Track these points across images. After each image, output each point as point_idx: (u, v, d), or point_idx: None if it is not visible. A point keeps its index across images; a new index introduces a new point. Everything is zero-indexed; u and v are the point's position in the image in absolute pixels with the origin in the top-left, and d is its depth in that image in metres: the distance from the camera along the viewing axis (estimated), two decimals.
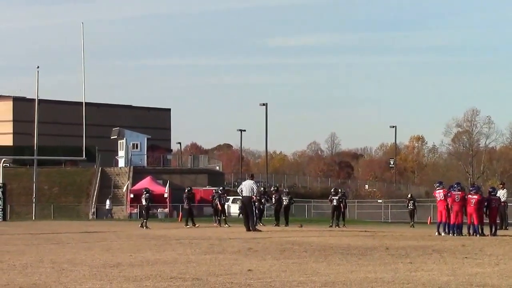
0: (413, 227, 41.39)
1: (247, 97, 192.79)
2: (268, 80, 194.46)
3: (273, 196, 40.49)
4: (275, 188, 41.95)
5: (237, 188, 33.55)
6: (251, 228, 28.46)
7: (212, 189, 48.08)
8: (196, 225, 37.55)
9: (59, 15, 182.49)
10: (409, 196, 47.57)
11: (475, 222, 25.86)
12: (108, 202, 66.57)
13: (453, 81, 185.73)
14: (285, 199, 40.04)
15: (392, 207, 63.91)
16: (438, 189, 27.02)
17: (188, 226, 37.02)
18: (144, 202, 38.83)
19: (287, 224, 38.52)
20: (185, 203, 39.36)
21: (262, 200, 39.38)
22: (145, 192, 39.43)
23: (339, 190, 41.53)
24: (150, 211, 41.71)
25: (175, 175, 73.99)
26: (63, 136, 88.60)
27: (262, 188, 42.75)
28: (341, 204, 38.59)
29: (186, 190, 40.30)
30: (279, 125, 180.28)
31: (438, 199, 26.87)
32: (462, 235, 25.64)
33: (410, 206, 44.81)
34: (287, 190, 42.91)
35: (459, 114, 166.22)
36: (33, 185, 65.15)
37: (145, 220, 37.21)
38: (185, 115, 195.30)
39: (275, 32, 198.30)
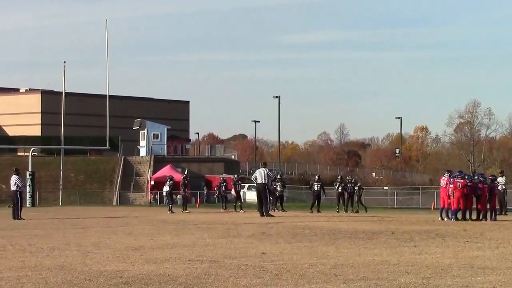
0: (338, 212, 36.82)
1: (261, 90, 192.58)
2: (281, 74, 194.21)
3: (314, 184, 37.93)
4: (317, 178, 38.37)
5: (251, 176, 33.53)
6: (264, 214, 28.47)
7: (220, 177, 47.85)
8: (187, 211, 37.47)
9: (85, 13, 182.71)
10: (339, 178, 40.44)
11: (461, 207, 25.85)
12: (165, 187, 65.79)
13: (456, 74, 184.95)
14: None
15: (397, 194, 63.74)
16: (443, 177, 26.98)
17: (187, 211, 37.04)
18: (168, 189, 38.94)
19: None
20: (182, 189, 39.23)
21: (277, 187, 38.56)
22: (169, 180, 39.50)
23: (347, 178, 41.16)
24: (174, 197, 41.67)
25: (193, 163, 73.99)
26: (88, 127, 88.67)
27: (279, 176, 42.09)
28: (345, 192, 38.44)
29: (182, 177, 40.25)
30: (291, 116, 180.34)
31: (441, 186, 26.90)
32: (465, 220, 25.59)
33: (339, 190, 38.77)
34: (279, 177, 41.28)
35: (461, 106, 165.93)
36: (60, 173, 65.38)
37: (170, 205, 37.38)
38: (203, 107, 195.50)
39: (288, 29, 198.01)
